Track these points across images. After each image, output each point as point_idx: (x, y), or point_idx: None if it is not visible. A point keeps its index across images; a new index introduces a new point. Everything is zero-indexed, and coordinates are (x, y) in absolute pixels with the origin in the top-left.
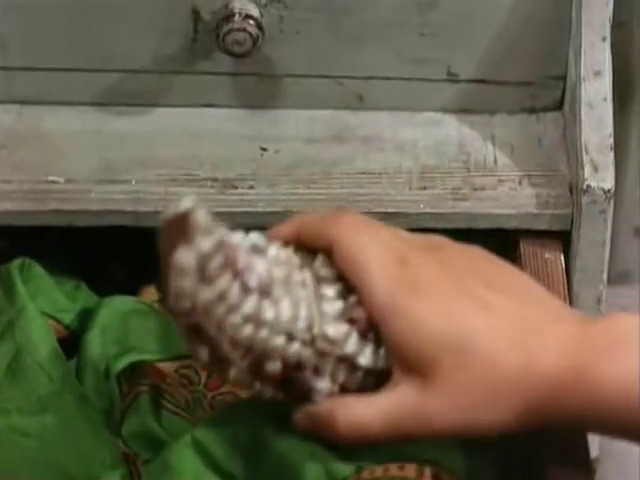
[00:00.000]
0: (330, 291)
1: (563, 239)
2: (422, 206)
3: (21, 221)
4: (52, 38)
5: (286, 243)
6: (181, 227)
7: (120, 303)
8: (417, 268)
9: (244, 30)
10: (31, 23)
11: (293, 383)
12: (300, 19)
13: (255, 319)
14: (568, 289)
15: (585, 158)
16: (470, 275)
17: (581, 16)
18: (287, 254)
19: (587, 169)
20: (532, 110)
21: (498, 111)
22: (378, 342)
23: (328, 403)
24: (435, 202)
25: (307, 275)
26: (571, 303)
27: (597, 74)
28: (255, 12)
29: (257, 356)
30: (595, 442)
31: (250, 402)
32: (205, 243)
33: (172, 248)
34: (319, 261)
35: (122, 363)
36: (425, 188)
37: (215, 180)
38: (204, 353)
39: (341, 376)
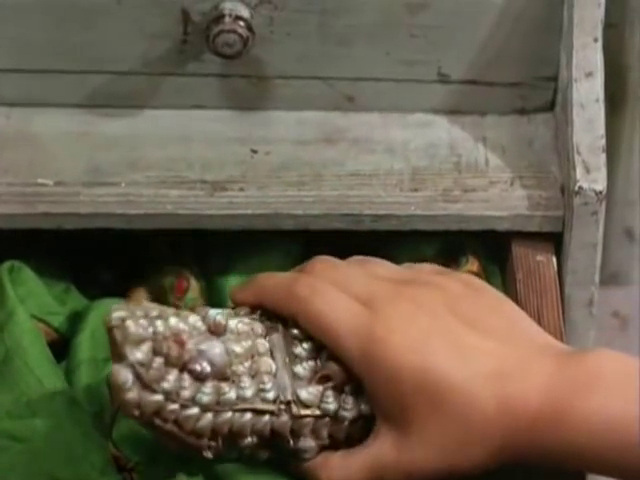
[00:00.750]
0: (301, 350)
1: (555, 241)
2: (413, 208)
3: (10, 224)
4: (40, 40)
5: (253, 309)
6: (112, 341)
7: (110, 306)
8: (389, 310)
9: (234, 32)
10: (19, 25)
11: (277, 446)
12: (290, 20)
13: (214, 405)
14: (560, 291)
15: (577, 159)
16: (447, 312)
17: (573, 17)
18: (249, 325)
19: (579, 170)
20: (523, 111)
21: (489, 112)
22: (358, 391)
23: (312, 463)
24: (426, 204)
25: (275, 339)
26: (563, 305)
27: (589, 75)
28: (245, 13)
29: (227, 436)
30: None
31: None
32: (136, 354)
33: (113, 358)
34: (290, 321)
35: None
36: (416, 190)
37: (204, 182)
38: (172, 446)
39: (325, 432)
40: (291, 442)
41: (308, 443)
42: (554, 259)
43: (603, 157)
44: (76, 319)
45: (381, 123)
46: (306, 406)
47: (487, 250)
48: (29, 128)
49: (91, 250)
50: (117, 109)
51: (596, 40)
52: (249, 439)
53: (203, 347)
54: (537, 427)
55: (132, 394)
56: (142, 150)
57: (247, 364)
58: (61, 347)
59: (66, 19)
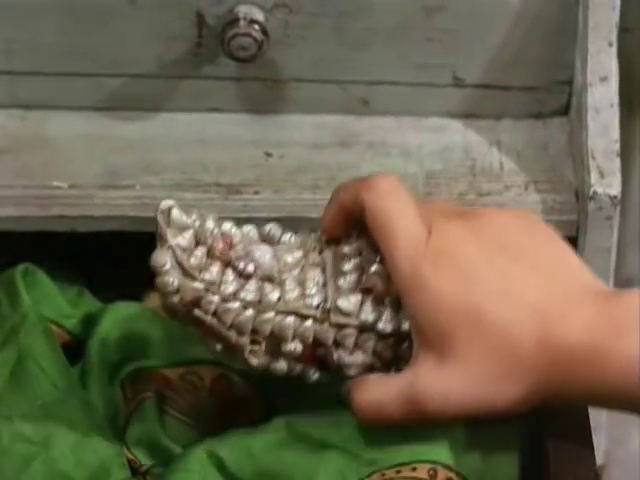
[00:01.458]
0: (348, 267)
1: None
2: None
3: (24, 226)
4: (56, 42)
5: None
6: (158, 227)
7: (124, 309)
8: (443, 237)
9: (249, 35)
10: (35, 28)
11: (324, 361)
12: (305, 24)
13: (256, 303)
14: None
15: (591, 164)
16: (497, 245)
17: (588, 21)
18: (302, 239)
19: (593, 175)
20: (538, 115)
21: (504, 116)
22: (398, 307)
23: (349, 382)
24: None
25: (328, 255)
26: None
27: (604, 79)
28: (260, 17)
29: (269, 338)
30: (600, 449)
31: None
32: (177, 238)
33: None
34: (343, 240)
35: (126, 369)
36: (431, 194)
37: (219, 185)
38: (214, 344)
39: (370, 346)
40: (335, 355)
41: (354, 357)
42: None
43: (618, 162)
44: (90, 322)
45: (396, 127)
46: (345, 314)
47: None
48: (44, 131)
49: (105, 253)
50: (132, 112)
51: (611, 44)
52: (292, 345)
53: (251, 248)
54: (575, 366)
55: (170, 278)
56: (157, 153)
57: (295, 272)
58: (75, 350)
59: (82, 22)
